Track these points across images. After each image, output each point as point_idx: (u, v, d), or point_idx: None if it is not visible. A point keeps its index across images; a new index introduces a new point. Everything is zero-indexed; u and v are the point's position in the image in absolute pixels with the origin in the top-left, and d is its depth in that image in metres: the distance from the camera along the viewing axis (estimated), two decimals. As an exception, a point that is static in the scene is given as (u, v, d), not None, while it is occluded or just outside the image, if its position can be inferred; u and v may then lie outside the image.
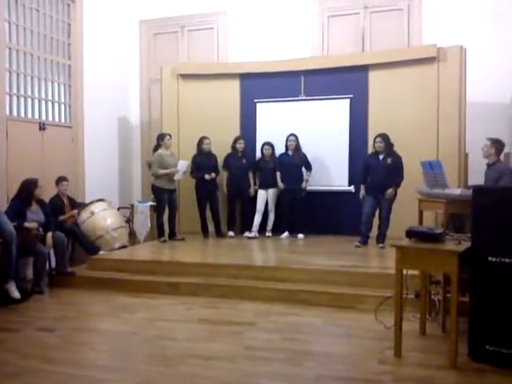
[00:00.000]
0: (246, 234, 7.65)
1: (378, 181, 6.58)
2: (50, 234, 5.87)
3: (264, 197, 7.63)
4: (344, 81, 7.63)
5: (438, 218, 6.55)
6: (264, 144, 7.65)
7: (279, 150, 7.63)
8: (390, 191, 6.51)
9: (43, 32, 7.20)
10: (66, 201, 6.72)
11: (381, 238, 6.64)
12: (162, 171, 7.26)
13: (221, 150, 7.72)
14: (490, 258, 3.43)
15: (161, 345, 4.01)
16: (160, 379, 3.34)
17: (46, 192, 6.34)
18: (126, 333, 4.32)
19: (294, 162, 7.46)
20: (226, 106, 8.09)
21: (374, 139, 6.71)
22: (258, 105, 8.08)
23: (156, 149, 7.59)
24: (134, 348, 4.02)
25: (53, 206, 6.35)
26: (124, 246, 6.93)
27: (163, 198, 7.32)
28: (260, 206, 7.62)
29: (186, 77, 8.22)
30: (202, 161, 7.61)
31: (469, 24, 7.43)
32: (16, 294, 5.19)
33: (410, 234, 3.77)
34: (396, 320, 3.65)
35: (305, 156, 7.51)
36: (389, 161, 6.57)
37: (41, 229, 5.87)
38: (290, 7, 8.34)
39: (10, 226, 5.26)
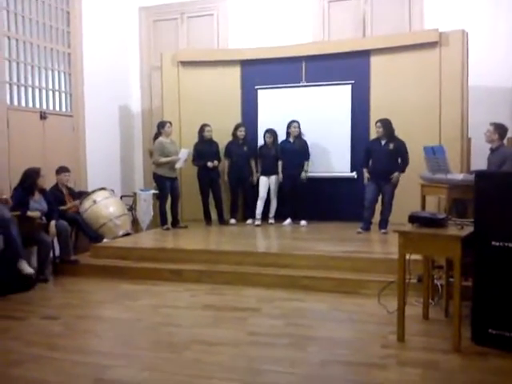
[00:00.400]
0: (251, 221, 7.66)
1: (379, 167, 6.57)
2: (53, 223, 5.89)
3: (266, 183, 7.62)
4: (345, 66, 7.58)
5: (440, 203, 6.56)
6: (266, 131, 7.62)
7: (281, 136, 7.61)
8: (396, 175, 6.50)
9: (42, 20, 7.16)
10: (65, 191, 6.67)
11: (383, 223, 6.64)
12: (164, 159, 7.25)
13: (222, 137, 7.69)
14: (493, 243, 3.43)
15: (165, 331, 4.03)
16: (165, 365, 3.36)
17: (48, 181, 6.34)
18: (130, 320, 4.34)
19: (296, 148, 7.44)
20: (226, 93, 8.05)
21: (375, 124, 6.69)
22: (259, 91, 8.04)
23: (156, 137, 7.58)
24: (138, 335, 4.03)
25: (52, 196, 6.32)
26: (127, 234, 6.94)
27: (165, 186, 7.32)
28: (262, 193, 7.61)
29: (186, 64, 8.16)
30: (204, 148, 7.59)
31: (470, 8, 7.36)
32: (29, 270, 5.18)
33: (413, 219, 3.76)
34: (399, 305, 3.66)
35: (306, 143, 7.48)
36: (391, 146, 6.54)
37: (44, 218, 5.89)
38: (291, -8, 8.26)
39: (2, 211, 5.23)
